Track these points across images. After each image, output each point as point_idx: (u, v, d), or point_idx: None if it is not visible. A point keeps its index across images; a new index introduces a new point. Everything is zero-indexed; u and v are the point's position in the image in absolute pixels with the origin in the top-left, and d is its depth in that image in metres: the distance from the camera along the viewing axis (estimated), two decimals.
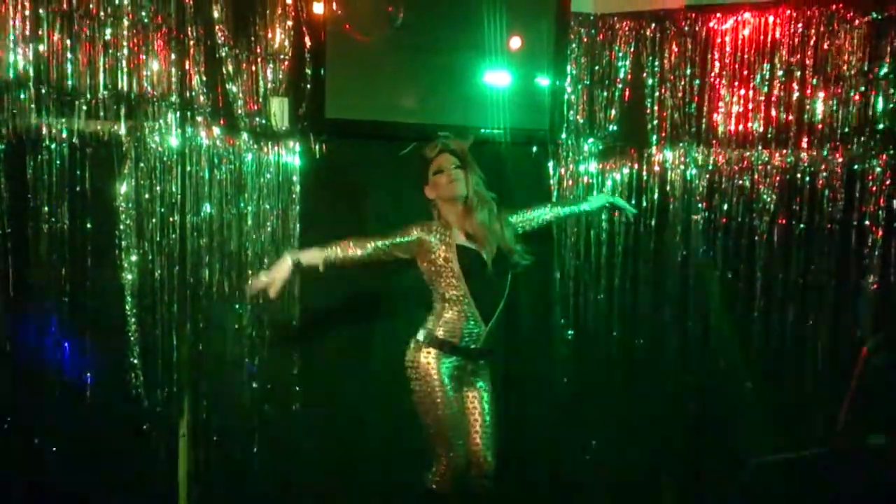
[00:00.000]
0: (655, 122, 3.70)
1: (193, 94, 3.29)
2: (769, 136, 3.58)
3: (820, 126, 3.50)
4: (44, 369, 3.16)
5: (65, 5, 3.06)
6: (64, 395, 3.19)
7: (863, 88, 3.42)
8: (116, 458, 3.25)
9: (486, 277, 2.96)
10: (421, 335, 3.02)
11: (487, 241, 2.98)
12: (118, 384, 3.25)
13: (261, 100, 3.40)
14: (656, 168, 3.73)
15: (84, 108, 3.12)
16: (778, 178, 3.59)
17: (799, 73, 3.51)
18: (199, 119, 3.31)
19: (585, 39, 3.67)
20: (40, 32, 3.01)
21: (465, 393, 3.07)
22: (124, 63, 3.16)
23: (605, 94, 3.70)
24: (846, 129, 3.46)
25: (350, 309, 3.62)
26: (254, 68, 3.38)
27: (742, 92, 3.59)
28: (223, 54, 3.33)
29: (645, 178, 3.74)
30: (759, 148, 3.60)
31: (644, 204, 3.75)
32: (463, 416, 3.04)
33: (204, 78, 3.30)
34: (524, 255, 3.07)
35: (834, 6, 3.43)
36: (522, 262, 3.07)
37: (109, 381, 3.26)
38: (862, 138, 3.43)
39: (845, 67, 3.44)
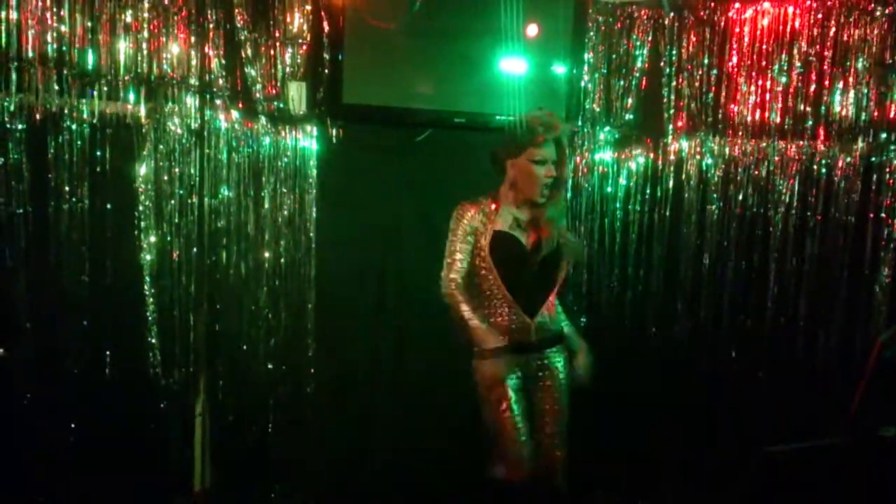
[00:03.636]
0: (672, 111, 3.69)
1: (212, 77, 3.31)
2: (786, 126, 3.57)
3: (837, 118, 3.49)
4: (62, 348, 3.20)
5: None
6: (82, 374, 3.23)
7: (881, 80, 3.41)
8: (133, 437, 3.30)
9: (526, 267, 2.79)
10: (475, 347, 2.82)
11: (541, 231, 2.81)
12: (136, 363, 3.30)
13: (279, 84, 3.42)
14: (672, 157, 3.72)
15: (105, 89, 3.14)
16: (794, 170, 3.59)
17: (817, 64, 3.49)
18: (218, 102, 3.34)
19: (603, 27, 3.66)
20: (62, 13, 3.04)
21: (534, 391, 2.90)
22: (144, 45, 3.18)
23: (622, 82, 3.69)
24: (864, 121, 3.45)
25: (365, 292, 3.65)
26: (272, 52, 3.40)
27: (760, 82, 3.58)
28: (242, 38, 3.34)
29: (660, 167, 3.74)
30: (776, 139, 3.59)
31: (659, 193, 3.75)
32: (529, 415, 2.84)
33: (223, 61, 3.32)
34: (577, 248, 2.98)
35: None
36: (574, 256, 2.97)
37: (127, 361, 3.30)
38: (880, 130, 3.42)
39: (864, 59, 3.42)
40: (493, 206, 2.83)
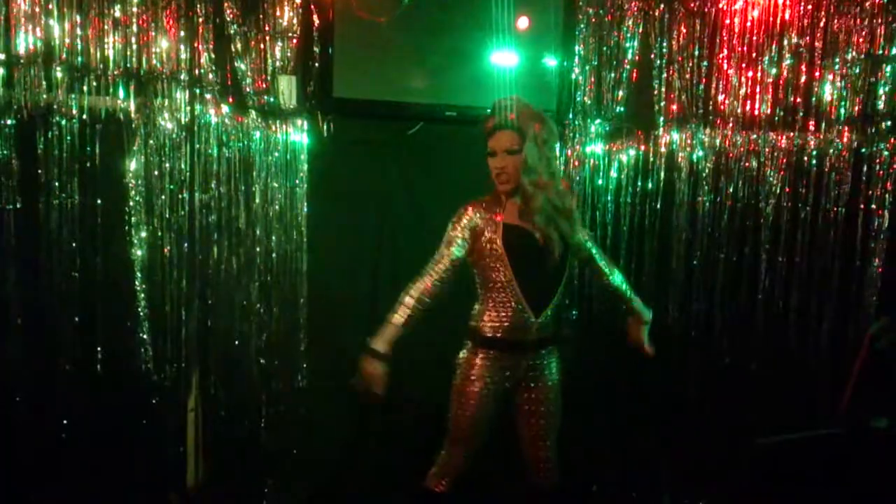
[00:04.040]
0: (663, 103, 3.69)
1: (202, 71, 3.29)
2: (776, 118, 3.57)
3: (827, 109, 3.49)
4: (54, 344, 3.20)
5: None
6: (74, 370, 3.23)
7: (871, 71, 3.42)
8: (125, 433, 3.30)
9: (536, 260, 2.66)
10: (468, 335, 2.78)
11: (543, 223, 2.65)
12: (127, 359, 3.29)
13: (269, 78, 3.41)
14: (663, 149, 3.72)
15: (94, 84, 3.13)
16: (785, 161, 3.60)
17: (807, 55, 3.50)
18: (208, 96, 3.32)
19: (593, 20, 3.65)
20: (50, 8, 3.02)
21: (522, 392, 2.83)
22: (134, 40, 3.16)
23: (613, 74, 3.69)
24: (854, 112, 3.46)
25: (358, 285, 3.65)
26: (262, 46, 3.38)
27: (750, 74, 3.58)
28: (232, 32, 3.33)
29: (651, 159, 3.74)
30: (766, 130, 3.60)
31: (650, 185, 3.75)
32: (488, 422, 2.78)
33: (213, 55, 3.31)
34: (585, 242, 2.85)
35: None
36: (582, 251, 2.86)
37: (119, 357, 3.29)
38: (869, 121, 3.43)
39: (854, 50, 3.43)
40: (498, 200, 2.72)
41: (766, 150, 3.61)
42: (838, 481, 2.64)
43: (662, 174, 3.74)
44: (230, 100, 3.38)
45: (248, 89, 3.38)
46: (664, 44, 3.65)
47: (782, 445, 2.73)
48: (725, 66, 3.62)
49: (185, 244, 3.35)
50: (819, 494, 2.67)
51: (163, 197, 3.29)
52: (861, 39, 3.41)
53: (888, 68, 3.40)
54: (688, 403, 3.74)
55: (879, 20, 3.38)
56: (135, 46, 3.17)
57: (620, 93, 3.69)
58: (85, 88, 3.12)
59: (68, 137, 3.13)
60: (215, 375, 3.47)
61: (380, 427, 3.70)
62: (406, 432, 3.63)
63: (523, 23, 3.48)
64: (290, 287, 3.55)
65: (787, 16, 3.50)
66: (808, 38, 3.49)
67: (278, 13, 3.38)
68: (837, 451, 2.69)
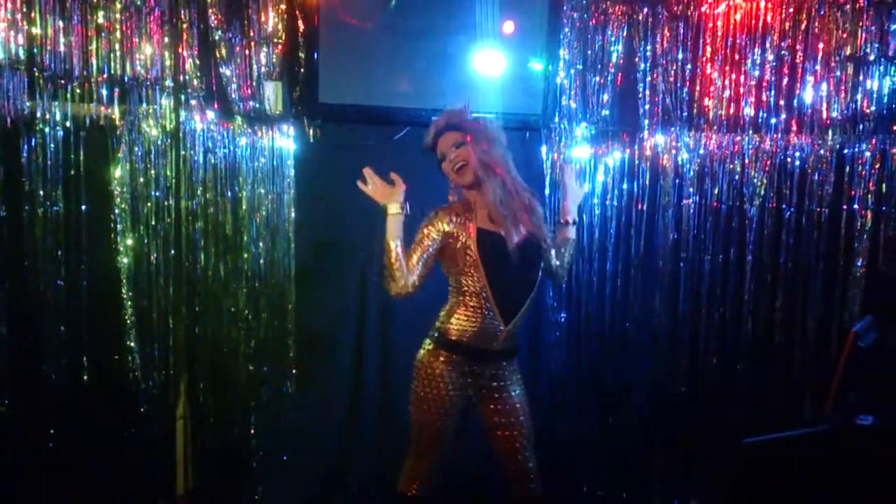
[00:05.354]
0: (647, 106, 3.71)
1: (187, 77, 3.28)
2: (760, 120, 3.60)
3: (810, 110, 3.52)
4: (41, 353, 3.18)
5: None
6: (61, 379, 3.21)
7: (853, 73, 3.46)
8: (114, 441, 3.28)
9: (509, 266, 2.64)
10: (431, 335, 2.76)
11: (509, 222, 2.66)
12: (115, 367, 3.27)
13: (254, 84, 3.40)
14: (648, 152, 3.73)
15: (78, 91, 3.12)
16: (768, 163, 3.62)
17: (790, 58, 3.53)
18: (193, 103, 3.31)
19: (578, 24, 3.66)
20: (33, 15, 3.00)
21: (487, 404, 2.79)
22: (118, 46, 3.15)
23: (598, 78, 3.70)
24: (836, 114, 3.49)
25: (347, 292, 3.64)
26: (247, 52, 3.38)
27: (733, 76, 3.61)
28: (217, 38, 3.32)
29: (636, 162, 3.75)
30: (750, 132, 3.62)
31: (635, 188, 3.77)
32: (453, 431, 2.77)
33: (197, 62, 3.30)
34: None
35: None
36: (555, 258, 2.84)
37: (106, 365, 3.28)
38: (852, 122, 3.47)
39: (836, 52, 3.46)
40: (468, 207, 2.74)
41: (750, 151, 3.63)
42: (825, 479, 2.66)
43: (647, 177, 3.75)
44: (216, 106, 3.37)
45: (233, 95, 3.38)
46: (648, 47, 3.66)
47: (769, 444, 2.75)
48: (709, 69, 3.64)
49: (172, 251, 3.33)
50: (806, 492, 2.69)
51: (148, 204, 3.28)
52: (843, 42, 3.44)
53: (870, 70, 3.44)
54: (676, 403, 3.76)
55: (861, 22, 3.42)
56: (119, 53, 3.16)
57: (605, 96, 3.70)
58: (69, 95, 3.11)
59: (52, 145, 3.11)
60: (204, 383, 3.46)
61: (371, 433, 3.69)
62: (397, 439, 3.62)
63: (508, 27, 3.50)
64: (278, 293, 3.53)
65: (769, 18, 3.53)
66: (790, 40, 3.52)
67: (263, 19, 3.38)
68: (823, 449, 2.71)
